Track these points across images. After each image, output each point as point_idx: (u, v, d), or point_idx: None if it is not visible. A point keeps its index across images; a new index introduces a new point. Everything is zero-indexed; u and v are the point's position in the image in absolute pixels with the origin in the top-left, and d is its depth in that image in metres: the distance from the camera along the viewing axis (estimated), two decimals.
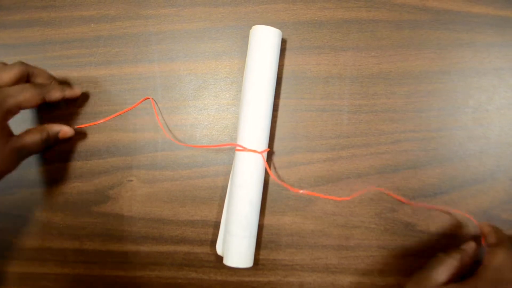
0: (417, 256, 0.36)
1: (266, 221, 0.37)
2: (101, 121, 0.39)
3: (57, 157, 0.40)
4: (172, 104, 0.39)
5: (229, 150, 0.38)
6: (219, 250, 0.36)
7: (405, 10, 0.38)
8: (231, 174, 0.36)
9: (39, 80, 0.37)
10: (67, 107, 0.40)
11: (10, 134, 0.33)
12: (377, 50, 0.38)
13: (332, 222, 0.37)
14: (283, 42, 0.38)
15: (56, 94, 0.36)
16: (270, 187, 0.38)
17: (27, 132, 0.35)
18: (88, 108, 0.40)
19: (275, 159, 0.38)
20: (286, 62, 0.38)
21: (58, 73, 0.40)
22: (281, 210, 0.37)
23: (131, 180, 0.39)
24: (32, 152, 0.36)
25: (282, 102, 0.38)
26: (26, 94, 0.33)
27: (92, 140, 0.40)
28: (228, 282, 0.38)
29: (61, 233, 0.39)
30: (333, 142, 0.37)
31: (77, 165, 0.40)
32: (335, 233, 0.37)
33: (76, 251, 0.39)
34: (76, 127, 0.39)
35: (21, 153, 0.34)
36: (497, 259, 0.30)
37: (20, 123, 0.41)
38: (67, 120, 0.40)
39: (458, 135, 0.36)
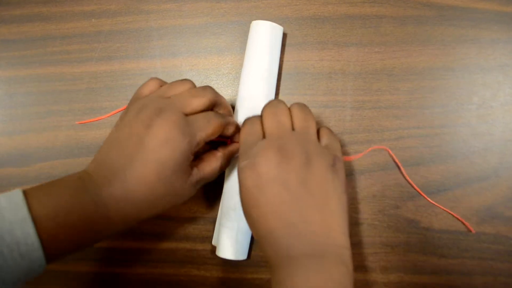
0: (420, 253, 0.36)
1: None
2: (103, 117, 0.39)
3: (58, 153, 0.40)
4: None
5: None
6: (214, 241, 0.36)
7: (409, 5, 0.37)
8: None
9: (221, 111, 0.32)
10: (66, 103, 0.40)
11: (190, 169, 0.29)
12: (381, 46, 0.37)
13: None
14: (285, 37, 0.38)
15: (231, 129, 0.32)
16: None
17: (204, 161, 0.31)
18: (89, 103, 0.40)
19: None
20: (289, 57, 0.38)
21: (59, 68, 0.40)
22: None
23: None
24: (210, 181, 0.32)
25: (284, 98, 0.38)
26: (213, 127, 0.29)
27: (94, 136, 0.39)
28: (230, 279, 0.37)
29: None
30: None
31: (78, 161, 0.39)
32: None
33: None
34: (76, 122, 0.39)
35: (198, 185, 0.31)
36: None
37: (13, 121, 0.40)
38: (68, 116, 0.40)
39: (462, 132, 0.36)
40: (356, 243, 0.36)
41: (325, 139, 0.30)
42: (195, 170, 0.30)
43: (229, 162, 0.34)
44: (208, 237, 0.38)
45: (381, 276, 0.36)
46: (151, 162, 0.27)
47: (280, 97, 0.38)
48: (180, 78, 0.39)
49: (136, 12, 0.40)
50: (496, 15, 0.37)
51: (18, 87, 0.41)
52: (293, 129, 0.30)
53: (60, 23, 0.40)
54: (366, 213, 0.36)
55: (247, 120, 0.31)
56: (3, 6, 0.41)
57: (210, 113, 0.30)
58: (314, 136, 0.30)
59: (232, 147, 0.33)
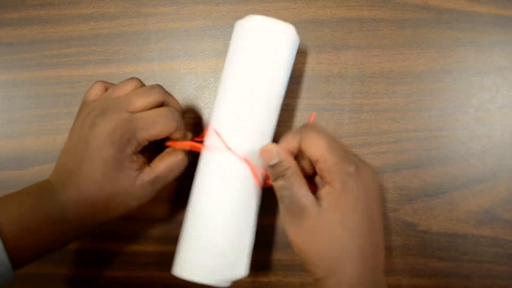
0: (418, 256, 0.36)
1: (267, 221, 0.37)
2: None
3: (56, 157, 0.40)
4: None
5: None
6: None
7: (407, 8, 0.37)
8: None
9: None
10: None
11: (140, 166, 0.29)
12: (379, 49, 0.37)
13: None
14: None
15: (179, 134, 0.31)
16: (271, 188, 0.37)
17: (160, 159, 0.31)
18: None
19: None
20: None
21: (57, 71, 0.40)
22: None
23: None
24: (169, 181, 0.31)
25: (283, 101, 0.38)
26: (158, 127, 0.29)
27: None
28: None
29: None
30: None
31: None
32: None
33: (76, 251, 0.39)
34: None
35: (155, 185, 0.30)
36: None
37: (11, 124, 0.40)
38: (66, 119, 0.40)
39: (460, 135, 0.36)
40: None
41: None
42: (147, 169, 0.30)
43: (189, 159, 0.32)
44: None
45: None
46: (96, 160, 0.28)
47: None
48: (178, 81, 0.39)
49: (135, 15, 0.40)
50: (494, 18, 0.37)
51: (16, 90, 0.41)
52: None
53: (59, 26, 0.40)
54: None
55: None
56: (1, 9, 0.41)
57: (160, 111, 0.30)
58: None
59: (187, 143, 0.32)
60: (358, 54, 0.37)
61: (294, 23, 0.38)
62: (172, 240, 0.38)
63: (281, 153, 0.29)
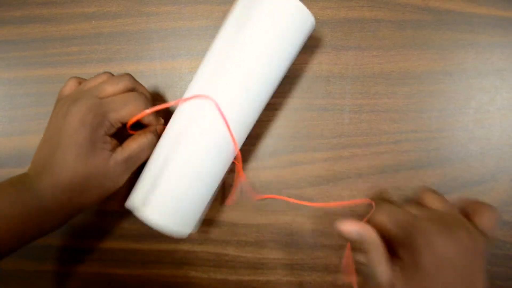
0: None
1: (267, 220, 0.37)
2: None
3: None
4: None
5: None
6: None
7: (407, 10, 0.37)
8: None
9: None
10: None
11: (113, 147, 0.31)
12: (379, 50, 0.37)
13: (332, 221, 0.37)
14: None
15: (150, 118, 0.33)
16: (271, 186, 0.37)
17: (131, 139, 0.32)
18: None
19: (276, 158, 0.38)
20: None
21: (59, 70, 0.40)
22: (282, 209, 0.37)
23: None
24: (142, 160, 0.32)
25: (283, 101, 0.38)
26: (128, 108, 0.31)
27: None
28: (228, 281, 0.38)
29: (61, 231, 0.39)
30: (334, 142, 0.37)
31: None
32: (335, 233, 0.37)
33: (75, 249, 0.39)
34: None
35: (128, 164, 0.31)
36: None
37: (12, 122, 0.40)
38: None
39: (459, 136, 0.36)
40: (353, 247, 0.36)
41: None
42: (119, 149, 0.31)
43: (158, 138, 0.33)
44: (206, 239, 0.38)
45: None
46: (70, 145, 0.29)
47: (278, 100, 0.38)
48: (179, 81, 0.39)
49: (136, 14, 0.40)
50: (493, 20, 0.37)
51: (17, 88, 0.41)
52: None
53: (61, 25, 0.41)
54: (364, 216, 0.36)
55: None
56: (4, 7, 0.42)
57: (129, 95, 0.31)
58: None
59: (161, 127, 0.34)
60: (358, 55, 0.38)
61: None
62: (170, 239, 0.38)
63: (362, 228, 0.29)
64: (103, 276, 0.39)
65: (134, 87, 0.33)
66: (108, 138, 0.30)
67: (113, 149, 0.31)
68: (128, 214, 0.39)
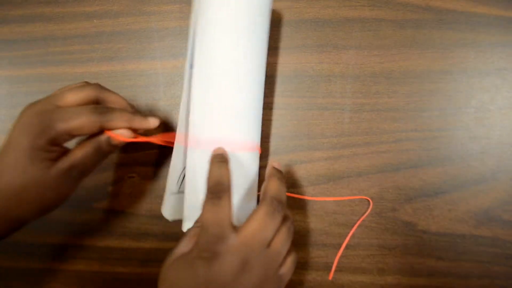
0: (417, 255, 0.36)
1: None
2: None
3: None
4: (174, 101, 0.39)
5: None
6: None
7: (408, 9, 0.37)
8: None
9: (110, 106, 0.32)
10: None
11: (55, 157, 0.29)
12: (380, 49, 0.38)
13: (332, 220, 0.37)
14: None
15: (118, 123, 0.30)
16: None
17: (77, 147, 0.30)
18: None
19: (277, 157, 0.38)
20: (288, 60, 0.38)
21: (60, 68, 0.40)
22: None
23: (132, 177, 0.39)
24: (88, 169, 0.31)
25: (283, 100, 0.38)
26: (79, 120, 0.28)
27: None
28: None
29: (61, 230, 0.39)
30: (334, 141, 0.37)
31: None
32: (335, 232, 0.37)
33: (76, 247, 0.39)
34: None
35: (73, 174, 0.29)
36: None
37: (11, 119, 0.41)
38: None
39: (459, 135, 0.36)
40: (353, 245, 0.36)
41: (285, 267, 0.28)
42: (62, 158, 0.29)
43: (110, 146, 0.32)
44: None
45: (378, 278, 0.36)
46: (12, 149, 0.28)
47: (279, 99, 0.38)
48: (180, 79, 0.39)
49: (138, 14, 0.40)
50: (494, 19, 0.37)
51: (19, 86, 0.41)
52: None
53: (62, 24, 0.41)
54: (363, 215, 0.37)
55: (214, 200, 0.27)
56: (6, 6, 0.42)
57: (82, 108, 0.29)
58: (280, 262, 0.28)
59: (108, 133, 0.31)
60: (359, 54, 0.38)
61: (296, 23, 0.38)
62: (171, 237, 0.38)
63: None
64: (103, 275, 0.39)
65: (99, 98, 0.31)
66: (52, 147, 0.28)
67: (57, 158, 0.29)
68: (128, 213, 0.39)
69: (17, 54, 0.41)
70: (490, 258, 0.35)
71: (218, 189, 0.27)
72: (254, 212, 0.27)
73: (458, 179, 0.36)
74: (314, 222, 0.37)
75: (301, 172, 0.37)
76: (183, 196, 0.32)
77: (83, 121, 0.28)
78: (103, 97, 0.31)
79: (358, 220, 0.36)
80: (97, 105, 0.30)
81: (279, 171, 0.31)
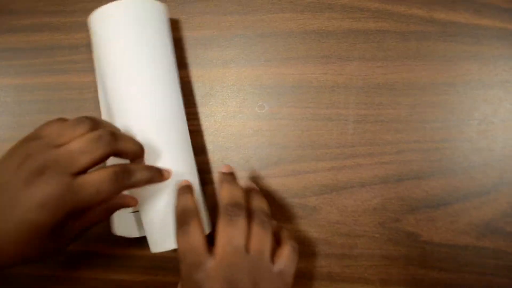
0: (420, 266, 0.36)
1: None
2: None
3: None
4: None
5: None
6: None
7: (412, 21, 0.38)
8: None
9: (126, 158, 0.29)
10: None
11: (69, 228, 0.28)
12: (383, 61, 0.38)
13: (335, 230, 0.37)
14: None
15: (139, 184, 0.28)
16: (275, 195, 0.38)
17: (91, 214, 0.29)
18: (95, 112, 0.40)
19: (281, 167, 0.38)
20: (292, 70, 0.39)
21: (67, 78, 0.41)
22: (285, 218, 0.38)
23: None
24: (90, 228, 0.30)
25: (287, 110, 0.38)
26: (102, 195, 0.26)
27: None
28: None
29: None
30: (337, 151, 0.37)
31: None
32: (338, 242, 0.37)
33: (79, 253, 0.40)
34: None
35: (75, 240, 0.29)
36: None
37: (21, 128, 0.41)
38: None
39: (462, 147, 0.37)
40: (356, 256, 0.37)
41: (281, 262, 0.28)
42: (74, 228, 0.28)
43: (113, 211, 0.31)
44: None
45: None
46: (24, 223, 0.24)
47: (283, 109, 0.38)
48: (185, 89, 0.39)
49: None
50: (498, 32, 0.37)
51: (26, 95, 0.41)
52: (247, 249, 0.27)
53: (69, 33, 0.41)
54: (366, 225, 0.37)
55: (183, 227, 0.27)
56: (14, 15, 0.42)
57: (104, 178, 0.26)
58: (268, 260, 0.27)
59: (117, 204, 0.31)
60: (362, 65, 0.38)
61: (300, 34, 0.39)
62: None
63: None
64: (107, 282, 0.39)
65: (116, 150, 0.27)
66: (68, 221, 0.27)
67: (61, 237, 0.27)
68: None
69: (24, 62, 0.42)
70: (492, 270, 0.36)
71: (185, 216, 0.28)
72: (216, 228, 0.27)
73: (460, 191, 0.36)
74: (317, 232, 0.37)
75: (304, 182, 0.38)
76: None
77: (107, 195, 0.26)
78: (119, 151, 0.28)
79: (360, 230, 0.37)
80: (116, 168, 0.27)
81: (227, 174, 0.31)
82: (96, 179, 0.26)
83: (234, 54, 0.40)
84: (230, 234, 0.27)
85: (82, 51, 0.41)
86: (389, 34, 0.38)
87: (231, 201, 0.28)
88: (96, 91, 0.40)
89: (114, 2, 0.32)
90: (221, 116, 0.39)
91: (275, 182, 0.38)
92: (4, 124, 0.41)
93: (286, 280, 0.28)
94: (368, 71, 0.38)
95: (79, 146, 0.26)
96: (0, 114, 0.41)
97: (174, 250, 0.30)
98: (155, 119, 0.32)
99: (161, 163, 0.31)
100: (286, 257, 0.28)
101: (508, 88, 0.37)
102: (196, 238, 0.27)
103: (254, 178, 0.38)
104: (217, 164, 0.39)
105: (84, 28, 0.41)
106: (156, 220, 0.32)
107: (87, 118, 0.28)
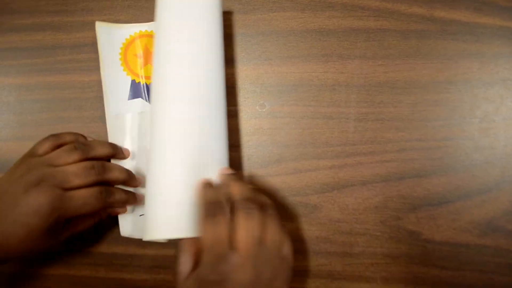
0: (421, 265, 0.36)
1: None
2: None
3: None
4: None
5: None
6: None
7: (412, 20, 0.38)
8: None
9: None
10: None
11: (60, 233, 0.33)
12: (384, 59, 0.38)
13: (337, 229, 0.37)
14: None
15: (120, 203, 0.36)
16: (277, 193, 0.38)
17: (77, 220, 0.34)
18: (97, 111, 0.40)
19: (282, 165, 0.38)
20: (294, 69, 0.39)
21: (68, 77, 0.41)
22: (287, 216, 0.38)
23: None
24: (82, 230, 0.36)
25: (288, 109, 0.38)
26: (88, 208, 0.32)
27: None
28: None
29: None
30: (339, 150, 0.38)
31: None
32: (339, 240, 0.37)
33: (81, 253, 0.40)
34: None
35: (70, 238, 0.34)
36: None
37: (22, 127, 0.41)
38: (76, 123, 0.40)
39: (464, 145, 0.37)
40: (357, 254, 0.37)
41: (286, 248, 0.29)
42: (64, 232, 0.33)
43: (105, 217, 0.37)
44: None
45: (382, 287, 0.36)
46: (21, 224, 0.30)
47: (284, 108, 0.38)
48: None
49: (145, 23, 0.41)
50: (498, 30, 0.37)
51: (28, 94, 0.41)
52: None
53: (71, 33, 0.41)
54: (368, 223, 0.37)
55: (211, 218, 0.28)
56: (16, 15, 0.42)
57: (91, 196, 0.32)
58: (280, 250, 0.29)
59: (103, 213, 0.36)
60: (364, 64, 0.38)
61: (301, 33, 0.39)
62: (176, 244, 0.38)
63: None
64: (108, 281, 0.39)
65: (105, 179, 0.33)
66: (58, 225, 0.32)
67: (58, 234, 0.33)
68: None
69: (26, 62, 0.42)
70: (494, 268, 0.35)
71: (214, 207, 0.28)
72: (235, 225, 0.28)
73: (462, 189, 0.36)
74: (318, 230, 0.37)
75: (306, 181, 0.38)
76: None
77: (91, 208, 0.32)
78: (106, 179, 0.34)
79: (362, 228, 0.37)
80: (102, 188, 0.33)
81: (231, 174, 0.33)
82: (84, 194, 0.32)
83: (235, 53, 0.40)
84: (249, 227, 0.28)
85: (84, 51, 0.41)
86: (390, 32, 0.38)
87: (244, 196, 0.29)
88: (98, 90, 0.40)
89: None
90: None
91: (276, 180, 0.38)
92: (6, 123, 0.41)
93: (290, 265, 0.30)
94: (369, 70, 0.38)
95: (74, 170, 0.32)
96: (2, 113, 0.42)
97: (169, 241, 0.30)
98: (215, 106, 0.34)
99: (210, 148, 0.33)
100: (288, 246, 0.30)
101: (509, 86, 0.37)
102: (224, 230, 0.27)
103: (256, 177, 0.38)
104: None
105: (85, 27, 0.41)
106: (172, 205, 0.31)
107: (79, 147, 0.33)
